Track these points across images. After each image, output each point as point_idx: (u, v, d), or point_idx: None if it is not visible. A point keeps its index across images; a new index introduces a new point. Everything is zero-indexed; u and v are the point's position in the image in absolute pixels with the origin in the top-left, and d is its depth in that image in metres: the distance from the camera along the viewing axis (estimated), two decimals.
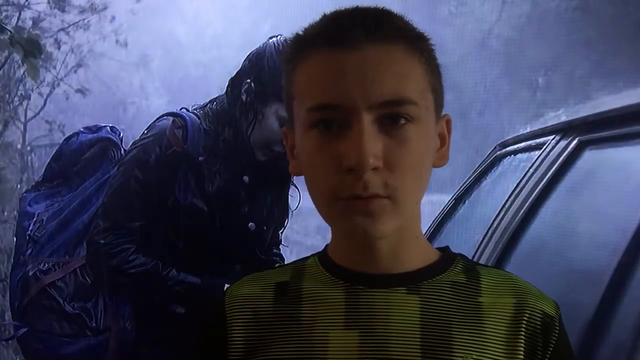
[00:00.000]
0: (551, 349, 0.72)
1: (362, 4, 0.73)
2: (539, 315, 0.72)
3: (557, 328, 0.73)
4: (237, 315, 0.76)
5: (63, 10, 4.48)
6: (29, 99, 4.62)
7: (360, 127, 0.67)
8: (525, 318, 0.72)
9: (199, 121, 1.51)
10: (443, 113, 0.77)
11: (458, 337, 0.70)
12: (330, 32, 0.70)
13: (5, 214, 4.27)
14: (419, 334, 0.70)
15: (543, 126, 1.74)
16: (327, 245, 0.81)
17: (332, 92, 0.68)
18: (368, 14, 0.71)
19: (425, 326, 0.71)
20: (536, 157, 1.63)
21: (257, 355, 0.74)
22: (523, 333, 0.71)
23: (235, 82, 1.52)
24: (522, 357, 0.71)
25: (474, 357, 0.70)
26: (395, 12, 0.72)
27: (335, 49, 0.68)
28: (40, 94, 4.67)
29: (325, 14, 0.73)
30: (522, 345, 0.71)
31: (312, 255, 0.81)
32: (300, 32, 0.74)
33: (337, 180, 0.68)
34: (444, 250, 0.80)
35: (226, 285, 1.45)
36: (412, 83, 0.69)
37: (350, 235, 0.72)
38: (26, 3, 4.30)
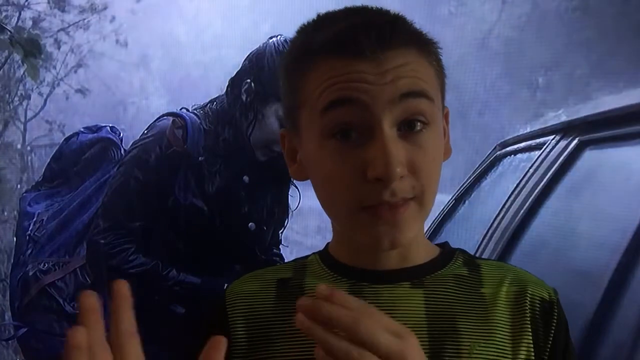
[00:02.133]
0: (552, 334, 0.73)
1: (363, 4, 0.73)
2: (538, 301, 0.73)
3: (556, 313, 0.74)
4: (239, 312, 0.76)
5: (63, 10, 4.48)
6: (29, 99, 4.63)
7: (382, 133, 0.66)
8: (528, 305, 0.73)
9: (199, 121, 1.50)
10: None
11: (464, 327, 0.71)
12: (344, 40, 0.68)
13: (5, 214, 4.27)
14: (426, 326, 0.71)
15: (543, 126, 1.74)
16: (328, 244, 0.81)
17: (349, 89, 0.67)
18: (382, 21, 0.70)
19: (431, 318, 0.71)
20: (536, 157, 1.63)
21: (260, 351, 0.74)
22: (528, 319, 0.72)
23: (235, 82, 1.52)
24: (530, 343, 0.72)
25: (481, 344, 0.70)
26: (404, 17, 0.73)
27: (350, 58, 0.67)
28: (40, 94, 4.67)
29: (325, 17, 0.72)
30: (528, 331, 0.72)
31: (313, 253, 0.81)
32: (303, 38, 0.73)
33: (362, 190, 0.67)
34: (443, 245, 0.81)
35: (226, 286, 1.45)
36: (427, 82, 0.70)
37: (375, 244, 0.70)
38: (26, 3, 4.30)
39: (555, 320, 0.73)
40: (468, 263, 0.78)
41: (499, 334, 0.71)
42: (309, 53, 0.71)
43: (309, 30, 0.73)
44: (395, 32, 0.69)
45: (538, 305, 0.73)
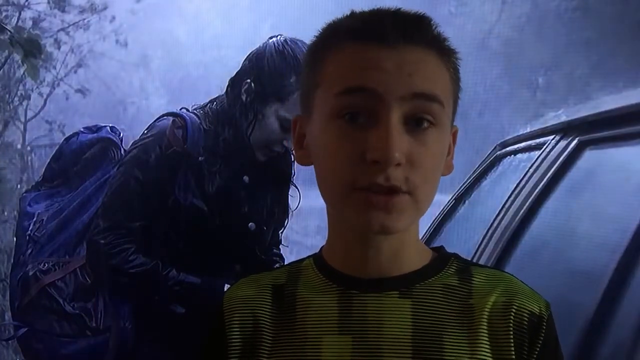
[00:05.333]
0: (538, 350, 0.71)
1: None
2: (526, 314, 0.72)
3: (544, 329, 0.72)
4: (236, 317, 0.77)
5: (63, 10, 4.48)
6: (29, 99, 4.62)
7: (389, 121, 0.67)
8: (513, 318, 0.72)
9: (199, 121, 1.51)
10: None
11: (449, 341, 0.70)
12: (370, 27, 0.71)
13: (5, 214, 4.26)
14: (410, 339, 0.70)
15: (543, 126, 1.74)
16: (322, 248, 0.80)
17: (366, 77, 0.69)
18: (410, 17, 0.72)
19: (416, 330, 0.71)
20: (536, 157, 1.63)
21: (253, 356, 0.74)
22: (512, 332, 0.71)
23: (235, 82, 1.52)
24: (513, 356, 0.70)
25: (465, 359, 0.70)
26: (433, 21, 0.74)
27: (373, 44, 0.69)
28: (40, 94, 4.66)
29: (356, 11, 0.74)
30: (512, 345, 0.71)
31: (309, 257, 0.81)
32: (332, 24, 0.75)
33: (358, 170, 0.68)
34: (439, 250, 0.80)
35: (226, 286, 1.45)
36: (441, 86, 0.71)
37: (365, 228, 0.71)
38: (26, 3, 4.30)
39: (542, 337, 0.71)
40: (461, 271, 0.76)
41: (483, 348, 0.70)
42: (334, 36, 0.74)
43: (339, 18, 0.75)
44: (421, 29, 0.72)
45: (526, 319, 0.72)
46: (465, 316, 0.72)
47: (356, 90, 0.69)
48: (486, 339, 0.71)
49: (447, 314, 0.72)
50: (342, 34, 0.73)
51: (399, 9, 0.73)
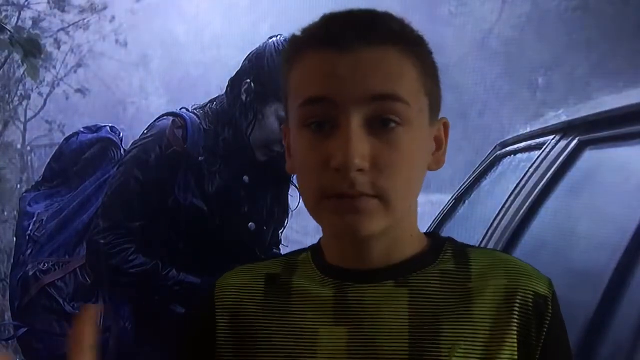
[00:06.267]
0: (545, 331, 0.70)
1: (362, 6, 0.73)
2: (531, 296, 0.71)
3: (550, 309, 0.71)
4: (226, 304, 0.77)
5: (63, 10, 4.48)
6: (29, 99, 4.63)
7: (348, 127, 0.67)
8: (518, 300, 0.71)
9: (199, 121, 1.50)
10: (442, 116, 0.76)
11: (446, 327, 0.70)
12: (325, 33, 0.70)
13: (5, 214, 4.27)
14: (407, 327, 0.70)
15: (543, 126, 1.74)
16: (320, 240, 0.80)
17: (322, 86, 0.69)
18: (362, 17, 0.71)
19: (413, 319, 0.71)
20: (536, 157, 1.63)
21: (245, 345, 0.74)
22: (516, 315, 0.70)
23: (235, 82, 1.52)
24: (514, 340, 0.70)
25: (462, 347, 0.69)
26: (390, 15, 0.72)
27: (329, 50, 0.69)
28: (40, 94, 4.67)
29: (323, 16, 0.73)
30: (515, 328, 0.70)
31: (306, 249, 0.81)
32: (298, 33, 0.75)
33: (325, 180, 0.68)
34: (433, 235, 0.79)
35: None
36: (405, 83, 0.69)
37: (340, 233, 0.72)
38: (26, 3, 4.30)
39: (549, 316, 0.70)
40: (457, 255, 0.76)
41: (483, 331, 0.69)
42: (296, 46, 0.73)
43: (304, 28, 0.74)
44: (375, 28, 0.70)
45: (531, 301, 0.71)
46: (464, 301, 0.71)
47: (315, 101, 0.69)
48: (486, 324, 0.70)
49: (445, 300, 0.72)
50: (301, 43, 0.73)
51: (352, 10, 0.71)
